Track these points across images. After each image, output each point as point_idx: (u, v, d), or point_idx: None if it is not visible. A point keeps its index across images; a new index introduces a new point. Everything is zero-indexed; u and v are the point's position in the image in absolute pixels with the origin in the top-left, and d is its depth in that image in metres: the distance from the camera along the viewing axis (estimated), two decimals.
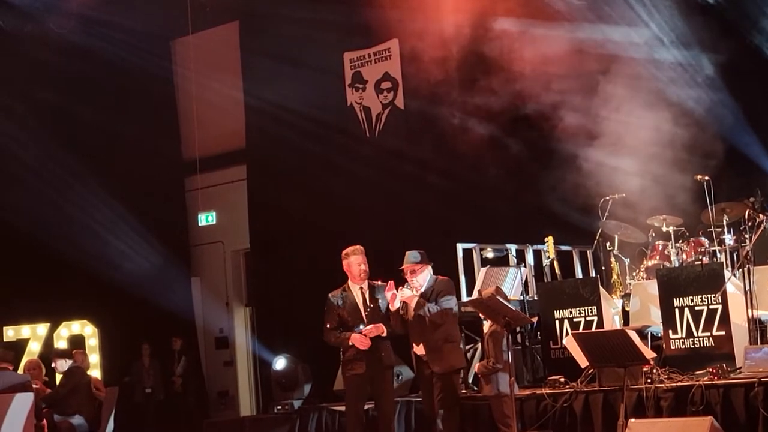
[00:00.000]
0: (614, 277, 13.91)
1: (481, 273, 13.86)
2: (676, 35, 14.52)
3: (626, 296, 13.43)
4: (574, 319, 12.75)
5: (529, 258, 14.74)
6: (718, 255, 12.73)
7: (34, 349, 20.33)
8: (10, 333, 20.82)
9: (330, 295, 11.90)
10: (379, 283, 11.92)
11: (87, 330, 20.60)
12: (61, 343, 20.11)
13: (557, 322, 12.92)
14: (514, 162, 15.89)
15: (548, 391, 11.81)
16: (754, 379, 10.37)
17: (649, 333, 12.35)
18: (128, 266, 20.13)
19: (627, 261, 13.81)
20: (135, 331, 20.24)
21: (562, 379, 12.04)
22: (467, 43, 16.18)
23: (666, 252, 13.12)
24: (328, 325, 11.79)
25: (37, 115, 20.81)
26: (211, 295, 21.35)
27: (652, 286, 12.50)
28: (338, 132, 18.47)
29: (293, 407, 14.23)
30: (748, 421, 10.25)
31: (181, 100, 21.52)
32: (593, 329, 12.28)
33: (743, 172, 13.73)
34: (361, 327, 11.61)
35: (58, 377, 16.50)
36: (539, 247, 14.62)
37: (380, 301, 11.77)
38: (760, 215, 12.23)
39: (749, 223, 12.28)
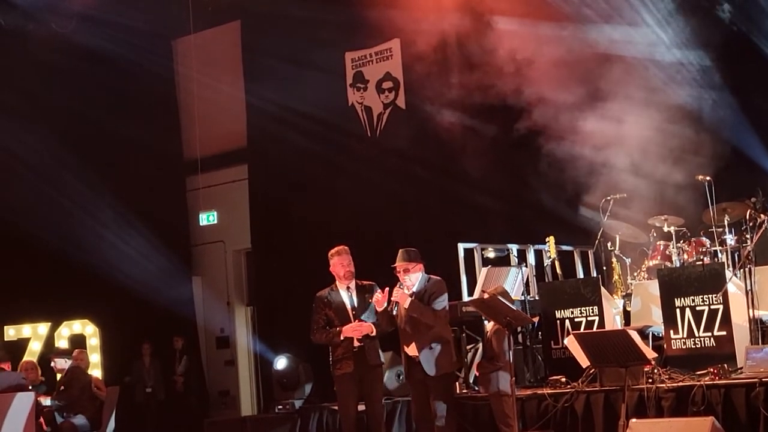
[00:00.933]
0: (615, 277, 13.91)
1: (482, 273, 13.85)
2: (677, 35, 14.52)
3: (627, 296, 13.43)
4: (576, 319, 12.74)
5: (531, 258, 14.74)
6: (720, 255, 12.72)
7: (35, 348, 20.34)
8: (11, 332, 20.84)
9: (318, 294, 11.92)
10: (366, 283, 11.93)
11: (88, 329, 20.61)
12: (62, 343, 20.12)
13: (558, 322, 12.91)
14: (515, 162, 15.88)
15: (549, 391, 11.81)
16: (756, 380, 10.36)
17: (651, 333, 12.34)
18: (129, 266, 20.12)
19: (628, 261, 13.81)
20: (136, 330, 20.25)
21: (564, 379, 12.03)
22: (469, 42, 16.19)
23: (667, 252, 13.12)
24: (314, 325, 11.82)
25: (38, 115, 20.82)
26: (213, 294, 21.35)
27: (654, 286, 12.50)
28: (339, 132, 18.47)
29: (294, 407, 14.21)
30: (749, 422, 10.24)
31: (183, 99, 21.53)
32: (594, 329, 12.28)
33: (744, 172, 13.72)
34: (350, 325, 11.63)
35: (59, 377, 16.52)
36: (540, 246, 14.62)
37: (368, 301, 11.79)
38: (762, 215, 12.23)
39: (750, 224, 12.28)
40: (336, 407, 12.36)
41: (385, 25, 17.50)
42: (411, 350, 11.33)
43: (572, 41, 14.94)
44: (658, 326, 12.33)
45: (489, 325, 11.13)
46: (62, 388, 15.49)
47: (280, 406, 14.67)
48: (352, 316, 11.69)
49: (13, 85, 20.40)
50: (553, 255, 14.11)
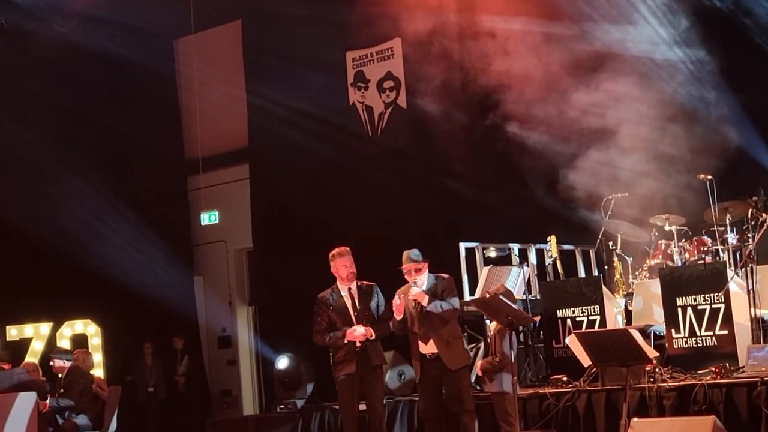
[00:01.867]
0: (617, 276, 13.91)
1: (483, 272, 13.86)
2: (678, 33, 14.51)
3: (629, 295, 13.43)
4: (577, 319, 12.75)
5: (532, 257, 14.74)
6: (721, 254, 12.73)
7: (37, 348, 20.33)
8: (13, 332, 20.83)
9: (319, 295, 11.92)
10: (367, 284, 11.93)
11: (90, 329, 20.60)
12: (63, 342, 20.11)
13: (560, 321, 12.93)
14: (516, 161, 15.87)
15: (551, 390, 11.82)
16: (757, 379, 10.38)
17: (652, 332, 12.34)
18: (131, 265, 20.11)
19: (630, 260, 13.81)
20: (138, 330, 20.26)
21: (565, 379, 12.05)
22: (470, 42, 16.18)
23: (669, 251, 13.12)
24: (317, 327, 11.82)
25: (39, 114, 20.83)
26: (214, 294, 21.35)
27: (655, 286, 12.51)
28: (341, 131, 18.46)
29: (296, 406, 14.24)
30: (750, 421, 10.26)
31: (184, 98, 21.53)
32: (596, 328, 12.28)
33: (746, 171, 13.71)
34: (352, 328, 11.64)
35: (60, 377, 16.52)
36: (542, 246, 14.63)
37: (371, 302, 11.79)
38: (763, 214, 12.24)
39: (752, 222, 12.29)
40: (338, 407, 12.36)
41: (386, 25, 17.49)
42: (429, 348, 11.32)
43: (574, 40, 14.94)
44: (659, 325, 12.33)
45: (492, 325, 11.13)
46: (61, 390, 15.47)
47: (281, 406, 14.69)
48: (354, 318, 11.69)
49: (15, 84, 20.39)
50: (555, 254, 14.11)
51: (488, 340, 11.30)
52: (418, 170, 17.32)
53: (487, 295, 10.90)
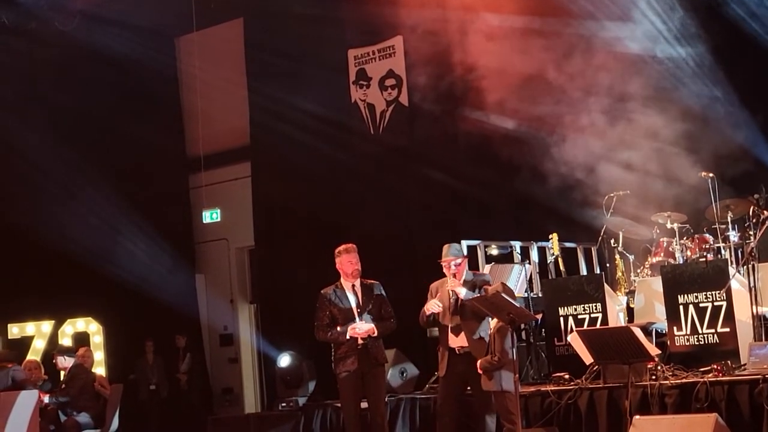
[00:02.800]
0: (619, 274, 13.90)
1: (485, 270, 13.86)
2: (679, 30, 14.51)
3: (631, 293, 13.43)
4: (579, 316, 12.76)
5: (534, 255, 14.73)
6: (723, 252, 12.72)
7: (38, 346, 20.34)
8: (15, 330, 20.84)
9: (322, 291, 11.94)
10: (370, 281, 11.93)
11: (91, 327, 20.61)
12: (65, 341, 20.13)
13: (562, 319, 12.93)
14: (518, 159, 15.86)
15: (553, 388, 11.83)
16: (759, 376, 10.38)
17: (654, 330, 12.36)
18: (132, 263, 20.14)
19: (631, 258, 13.81)
20: (139, 328, 20.26)
21: (567, 376, 12.06)
22: (471, 39, 16.17)
23: (670, 249, 13.12)
24: (319, 322, 11.82)
25: (41, 112, 20.86)
26: (216, 292, 21.34)
27: (657, 283, 12.51)
28: (342, 129, 18.46)
29: (298, 404, 14.24)
30: (752, 418, 10.26)
31: (186, 96, 21.52)
32: (598, 326, 12.28)
33: (748, 168, 13.70)
34: (354, 324, 11.64)
35: (62, 374, 16.53)
36: (543, 244, 14.63)
37: (374, 299, 11.79)
38: (765, 212, 12.26)
39: (753, 220, 12.30)
40: (339, 405, 12.37)
41: (388, 23, 17.49)
42: (459, 341, 11.32)
43: (575, 38, 14.93)
44: (661, 323, 12.35)
45: (492, 323, 11.12)
46: (63, 386, 15.50)
47: (283, 404, 14.68)
48: (357, 315, 11.70)
49: (16, 82, 20.43)
50: (557, 252, 14.13)
51: (490, 339, 11.27)
52: (419, 168, 17.30)
53: (489, 293, 10.89)
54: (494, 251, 14.65)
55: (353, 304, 11.77)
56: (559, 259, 14.14)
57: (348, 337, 11.62)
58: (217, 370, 21.34)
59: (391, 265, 15.37)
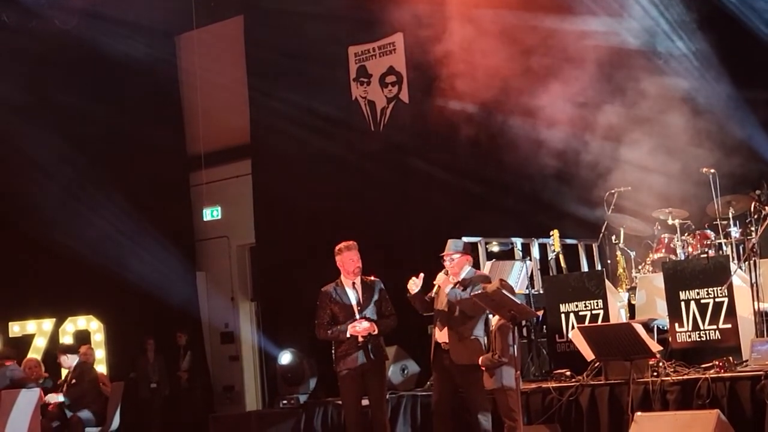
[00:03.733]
0: (620, 270, 13.88)
1: (486, 267, 13.86)
2: (680, 24, 14.49)
3: (632, 289, 13.42)
4: (580, 313, 12.74)
5: (535, 251, 14.73)
6: (724, 248, 12.70)
7: (39, 344, 20.35)
8: (16, 328, 20.85)
9: (322, 289, 11.91)
10: (370, 279, 11.91)
11: (92, 325, 20.62)
12: (66, 339, 20.13)
13: (563, 315, 12.91)
14: (519, 155, 15.85)
15: (554, 385, 11.81)
16: (761, 372, 10.37)
17: (655, 326, 12.35)
18: (133, 261, 20.13)
19: (633, 254, 13.78)
20: (140, 326, 20.26)
21: (568, 373, 12.04)
22: (472, 36, 16.15)
23: (672, 245, 13.10)
24: (319, 320, 11.81)
25: (41, 111, 20.84)
26: (217, 290, 21.34)
27: (658, 279, 12.50)
28: (343, 126, 18.46)
29: (299, 402, 14.25)
30: (754, 414, 10.25)
31: (186, 94, 21.52)
32: (599, 323, 12.27)
33: (749, 164, 13.68)
34: (354, 322, 11.62)
35: (63, 372, 16.52)
36: (544, 240, 14.62)
37: (374, 297, 11.77)
38: (766, 208, 12.25)
39: (755, 216, 12.31)
40: (340, 402, 12.36)
41: (388, 19, 17.46)
42: (441, 336, 11.32)
43: (578, 34, 14.91)
44: (662, 319, 12.33)
45: (494, 319, 11.11)
46: (73, 381, 15.49)
47: (284, 401, 14.70)
48: (357, 312, 11.68)
49: (16, 81, 20.40)
50: (558, 248, 14.12)
51: (491, 336, 11.26)
52: (420, 165, 17.29)
53: (490, 289, 10.87)
54: (495, 248, 14.64)
55: (354, 302, 11.75)
56: (560, 256, 14.13)
57: (348, 335, 11.61)
58: (218, 367, 21.34)
59: (391, 262, 15.34)
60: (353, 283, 11.83)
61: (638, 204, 13.97)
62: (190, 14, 20.02)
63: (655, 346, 10.79)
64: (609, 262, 14.33)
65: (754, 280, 11.40)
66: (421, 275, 11.43)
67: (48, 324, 20.69)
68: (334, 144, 18.33)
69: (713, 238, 12.81)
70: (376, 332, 11.67)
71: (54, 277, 20.75)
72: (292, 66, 18.90)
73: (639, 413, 10.22)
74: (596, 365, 11.58)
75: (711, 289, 11.63)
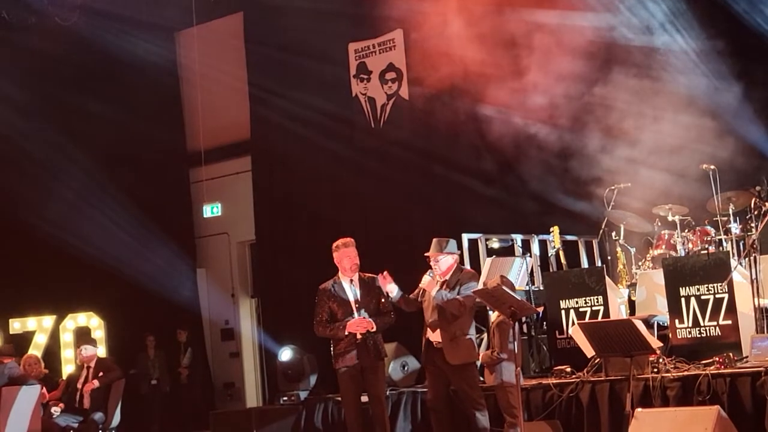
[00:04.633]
0: (620, 266, 13.88)
1: (486, 263, 13.86)
2: (680, 21, 14.48)
3: (632, 286, 13.41)
4: (580, 309, 12.74)
5: (535, 248, 14.73)
6: (725, 244, 12.71)
7: (40, 341, 20.34)
8: (16, 325, 20.83)
9: (321, 287, 11.88)
10: (369, 276, 11.90)
11: (93, 322, 20.60)
12: (66, 336, 20.15)
13: (563, 311, 12.91)
14: (519, 152, 15.86)
15: (554, 381, 11.81)
16: (761, 368, 10.37)
17: (656, 322, 12.34)
18: (134, 258, 20.12)
19: (633, 250, 13.79)
20: (141, 323, 20.26)
21: (569, 369, 12.04)
22: (472, 32, 16.14)
23: (672, 241, 13.10)
24: (318, 318, 11.80)
25: (41, 107, 20.86)
26: (217, 286, 21.34)
27: (658, 276, 12.49)
28: (343, 123, 18.47)
29: (299, 398, 14.23)
30: (754, 410, 10.25)
31: (186, 91, 21.51)
32: (599, 319, 12.27)
33: (749, 160, 13.68)
34: (353, 319, 11.62)
35: (64, 371, 16.48)
36: (545, 237, 14.62)
37: (373, 294, 11.77)
38: (766, 204, 12.25)
39: (755, 212, 12.31)
40: (341, 399, 12.36)
41: (387, 16, 17.47)
42: (435, 336, 11.32)
43: (578, 30, 14.91)
44: (663, 315, 12.33)
45: (493, 316, 11.11)
46: (100, 374, 15.48)
47: (285, 398, 14.68)
48: (355, 309, 11.67)
49: (16, 77, 20.41)
50: (558, 245, 14.12)
51: (491, 333, 11.27)
52: (420, 161, 17.30)
53: (490, 286, 10.87)
54: (495, 244, 14.64)
55: (352, 299, 11.72)
56: (561, 252, 14.13)
57: (347, 332, 11.60)
58: (219, 364, 21.34)
59: (391, 259, 15.32)
60: (351, 280, 11.80)
61: (638, 200, 13.96)
62: (190, 11, 19.99)
63: (655, 343, 10.79)
64: (609, 258, 14.33)
65: (754, 277, 11.40)
66: (386, 274, 11.40)
67: (48, 321, 20.67)
68: (334, 140, 18.33)
69: (713, 235, 12.81)
70: (374, 329, 11.65)
71: (54, 273, 20.75)
72: (292, 63, 18.91)
73: (639, 409, 10.22)
74: (596, 361, 11.58)
75: (711, 285, 11.63)
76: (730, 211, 12.68)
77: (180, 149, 21.51)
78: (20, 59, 20.64)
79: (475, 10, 15.97)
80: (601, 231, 14.09)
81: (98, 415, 14.93)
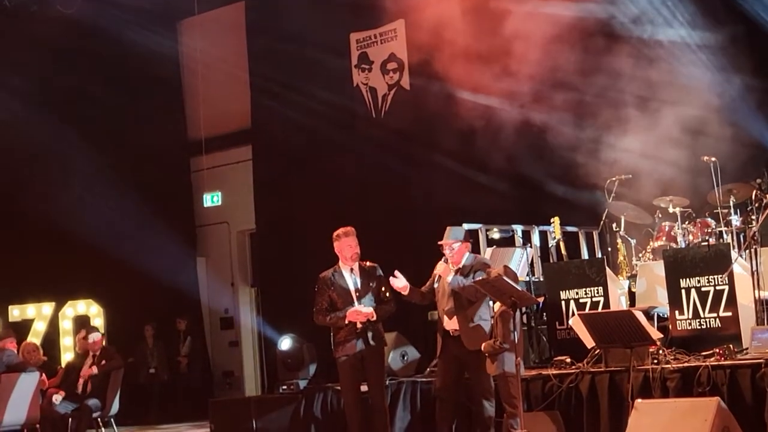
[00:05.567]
0: (620, 258, 13.87)
1: (487, 253, 13.84)
2: (681, 13, 14.47)
3: (632, 277, 13.40)
4: (581, 300, 12.72)
5: (535, 239, 14.71)
6: (725, 236, 12.71)
7: (39, 328, 20.37)
8: (16, 312, 20.88)
9: (321, 275, 11.87)
10: (369, 265, 11.89)
11: (92, 309, 20.64)
12: (66, 323, 20.16)
13: (563, 302, 12.89)
14: (520, 142, 15.86)
15: (554, 372, 11.79)
16: (761, 360, 10.35)
17: (656, 314, 12.34)
18: (134, 246, 20.13)
19: (633, 242, 13.78)
20: (140, 311, 20.29)
21: (568, 360, 12.02)
22: (473, 22, 16.13)
23: (672, 233, 13.10)
24: (318, 306, 11.80)
25: (43, 94, 20.86)
26: (217, 275, 21.37)
27: (659, 267, 12.48)
28: (344, 112, 18.48)
29: (299, 387, 14.20)
30: (754, 402, 10.23)
31: (187, 80, 21.53)
32: (599, 310, 12.26)
33: (750, 153, 13.68)
34: (353, 308, 11.61)
35: (63, 358, 16.48)
36: (545, 227, 14.61)
37: (373, 283, 11.77)
38: (767, 196, 12.22)
39: (756, 204, 12.31)
40: (340, 388, 12.36)
41: (389, 6, 17.46)
42: (451, 324, 11.28)
43: (579, 20, 14.90)
44: (663, 307, 12.32)
45: (495, 306, 11.10)
46: (103, 362, 15.51)
47: (284, 387, 14.64)
48: (356, 298, 11.66)
49: (18, 65, 20.42)
50: (558, 236, 14.10)
51: (492, 323, 11.25)
52: (421, 152, 17.32)
53: (491, 276, 10.87)
54: (496, 234, 14.64)
55: (352, 288, 11.72)
56: (561, 243, 14.11)
57: (347, 321, 11.60)
58: (218, 353, 21.37)
59: (391, 248, 15.34)
60: (351, 269, 11.79)
61: (639, 192, 13.96)
62: (192, 0, 20.02)
63: (655, 334, 10.78)
64: (610, 249, 14.33)
65: (754, 269, 11.39)
66: (397, 273, 11.39)
67: (48, 308, 20.72)
68: (335, 130, 18.35)
69: (714, 227, 12.81)
70: (374, 318, 11.65)
71: (54, 261, 20.78)
72: (294, 52, 18.91)
73: (639, 400, 10.20)
74: (596, 352, 11.56)
75: (711, 277, 11.60)
76: (731, 203, 12.67)
77: (181, 138, 21.53)
78: (22, 47, 20.63)
79: (478, 0, 15.96)
80: (601, 222, 14.08)
81: (93, 401, 14.94)
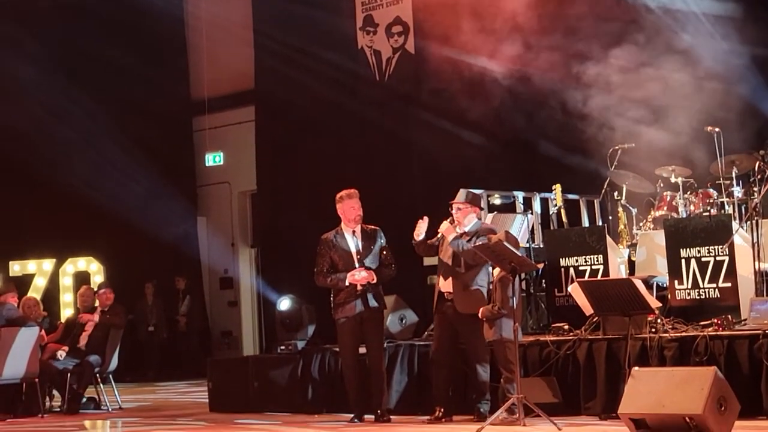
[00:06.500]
0: (621, 226, 13.86)
1: (487, 219, 13.83)
2: None
3: (633, 246, 13.40)
4: (580, 267, 12.73)
5: (536, 206, 14.70)
6: (726, 207, 12.69)
7: (39, 284, 20.40)
8: (16, 268, 20.92)
9: (323, 237, 11.89)
10: (371, 227, 11.89)
11: (92, 267, 20.66)
12: (66, 280, 20.19)
13: (563, 269, 12.90)
14: (524, 109, 15.83)
15: (552, 338, 11.82)
16: (759, 331, 10.38)
17: (655, 283, 12.33)
18: (135, 204, 20.15)
19: (634, 211, 13.76)
20: (140, 269, 20.32)
21: (567, 327, 12.04)
22: None
23: (674, 203, 13.07)
24: (319, 268, 11.81)
25: (47, 52, 20.82)
26: (217, 235, 21.40)
27: (659, 237, 12.48)
28: (348, 75, 18.44)
29: (297, 348, 14.22)
30: (751, 372, 10.27)
31: (192, 39, 21.47)
32: (599, 278, 12.27)
33: (754, 124, 13.66)
34: (354, 270, 11.62)
35: (62, 314, 16.49)
36: (546, 195, 14.59)
37: (374, 246, 11.77)
38: None
39: (758, 176, 12.27)
40: (338, 349, 12.39)
41: None
42: (446, 286, 11.32)
43: None
44: (662, 276, 12.32)
45: (496, 271, 11.11)
46: (107, 317, 15.52)
47: (282, 347, 14.67)
48: (357, 261, 11.68)
49: (23, 21, 20.37)
50: (559, 203, 14.09)
51: (492, 287, 11.26)
52: (424, 116, 17.29)
53: (491, 241, 10.87)
54: (497, 200, 14.62)
55: (353, 250, 11.74)
56: (562, 210, 14.10)
57: (348, 283, 11.62)
58: (217, 312, 21.42)
59: (393, 212, 15.34)
60: (353, 232, 11.81)
61: (641, 161, 13.93)
62: None
63: (654, 303, 10.79)
64: (610, 218, 14.31)
65: (755, 240, 11.40)
66: (426, 218, 11.40)
67: (48, 264, 20.75)
68: (338, 92, 18.32)
69: (716, 197, 12.79)
70: (375, 281, 11.67)
71: (55, 217, 20.81)
72: (299, 13, 18.85)
73: (636, 368, 10.22)
74: (595, 320, 11.57)
75: (712, 247, 11.61)
76: (733, 175, 12.64)
77: (184, 97, 21.50)
78: (27, 5, 20.58)
79: None
80: (603, 190, 14.07)
81: (94, 358, 14.96)
